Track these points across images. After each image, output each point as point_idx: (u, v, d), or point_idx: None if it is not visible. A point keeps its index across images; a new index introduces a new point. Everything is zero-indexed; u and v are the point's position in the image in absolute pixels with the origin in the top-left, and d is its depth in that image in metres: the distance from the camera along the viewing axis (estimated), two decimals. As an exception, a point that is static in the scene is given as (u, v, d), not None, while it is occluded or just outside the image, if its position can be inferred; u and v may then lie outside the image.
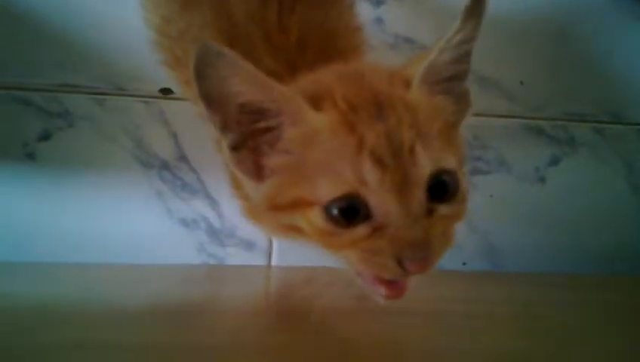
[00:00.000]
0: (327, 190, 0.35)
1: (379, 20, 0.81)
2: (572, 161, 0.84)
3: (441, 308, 0.58)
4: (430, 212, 0.36)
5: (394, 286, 0.37)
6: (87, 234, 0.74)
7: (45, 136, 0.74)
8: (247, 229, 0.78)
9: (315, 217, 0.36)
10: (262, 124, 0.37)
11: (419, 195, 0.35)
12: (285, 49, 0.47)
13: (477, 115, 0.81)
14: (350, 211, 0.35)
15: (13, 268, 0.70)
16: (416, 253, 0.33)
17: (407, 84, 0.38)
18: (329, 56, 0.46)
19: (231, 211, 0.77)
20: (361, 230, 0.35)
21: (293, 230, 0.39)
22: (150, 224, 0.76)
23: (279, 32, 0.48)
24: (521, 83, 0.83)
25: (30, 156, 0.74)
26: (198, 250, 0.77)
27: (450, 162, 0.37)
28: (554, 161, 0.84)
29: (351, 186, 0.34)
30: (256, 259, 0.78)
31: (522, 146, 0.83)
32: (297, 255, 0.78)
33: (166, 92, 0.76)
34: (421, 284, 0.38)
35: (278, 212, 0.39)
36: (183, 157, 0.77)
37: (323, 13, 0.50)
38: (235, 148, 0.38)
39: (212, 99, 0.35)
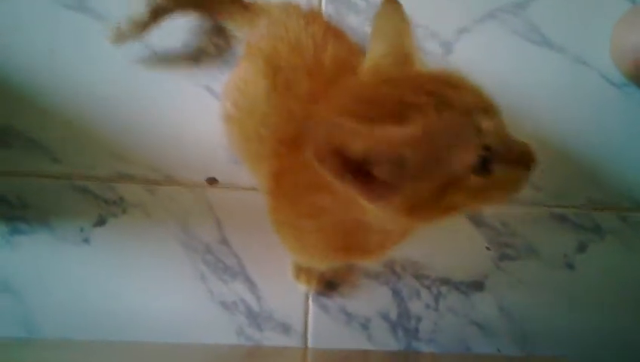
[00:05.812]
0: (468, 157, 0.40)
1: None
2: (599, 247, 0.87)
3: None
4: None
5: None
6: (136, 314, 0.78)
7: (100, 222, 0.80)
8: (284, 312, 0.81)
9: (471, 182, 0.41)
10: (374, 164, 0.40)
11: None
12: (319, 77, 0.57)
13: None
14: (485, 159, 0.41)
15: (68, 345, 0.75)
16: (531, 151, 0.42)
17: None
18: None
19: (268, 294, 0.81)
20: (500, 166, 0.41)
21: (444, 211, 0.43)
22: (193, 305, 0.80)
23: (314, 64, 0.58)
24: (542, 171, 0.87)
25: (86, 241, 0.80)
26: (237, 333, 0.80)
27: None
28: (581, 248, 0.86)
29: (481, 142, 0.40)
30: (293, 342, 0.80)
31: (549, 234, 0.86)
32: (332, 338, 0.80)
33: (212, 181, 0.82)
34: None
35: (423, 208, 0.42)
36: (225, 242, 0.82)
37: (346, 56, 0.61)
38: (354, 186, 0.40)
39: (329, 164, 0.39)
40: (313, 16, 0.66)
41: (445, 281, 0.84)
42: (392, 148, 0.39)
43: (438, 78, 0.43)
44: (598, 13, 0.91)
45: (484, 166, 0.41)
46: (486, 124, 0.40)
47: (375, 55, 0.48)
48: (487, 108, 0.41)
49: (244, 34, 0.73)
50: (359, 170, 0.39)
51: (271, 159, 0.58)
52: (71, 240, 0.80)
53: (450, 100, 0.40)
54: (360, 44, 0.67)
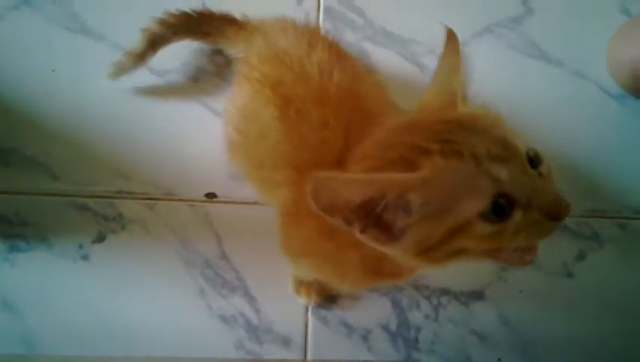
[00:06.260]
0: (477, 205, 0.40)
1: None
2: (598, 255, 0.87)
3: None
4: (539, 175, 0.43)
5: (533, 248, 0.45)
6: (135, 329, 0.78)
7: (99, 239, 0.80)
8: (284, 325, 0.81)
9: (479, 229, 0.40)
10: (378, 210, 0.41)
11: (529, 168, 0.42)
12: (328, 103, 0.57)
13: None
14: (499, 207, 0.40)
15: (67, 361, 0.76)
16: (562, 203, 0.41)
17: None
18: (362, 109, 0.58)
19: (268, 307, 0.81)
20: (517, 214, 0.41)
21: (454, 254, 0.43)
22: (193, 320, 0.80)
23: (321, 91, 0.58)
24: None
25: (85, 257, 0.80)
26: (236, 347, 0.80)
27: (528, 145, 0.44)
28: (580, 256, 0.86)
29: (493, 190, 0.40)
30: (293, 355, 0.80)
31: (549, 242, 0.85)
32: (332, 350, 0.80)
33: (211, 196, 0.82)
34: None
35: (432, 251, 0.43)
36: (224, 256, 0.82)
37: (351, 80, 0.61)
38: (363, 231, 0.42)
39: (332, 214, 0.40)
40: (314, 36, 0.66)
41: (445, 291, 0.84)
42: (396, 194, 0.40)
43: (459, 122, 0.43)
44: (595, 27, 0.92)
45: (499, 212, 0.40)
46: (501, 172, 0.40)
47: (430, 92, 0.49)
48: (504, 155, 0.40)
49: (241, 52, 0.73)
50: (368, 216, 0.41)
51: (289, 185, 0.57)
52: (70, 257, 0.80)
53: (460, 148, 0.40)
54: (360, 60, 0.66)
